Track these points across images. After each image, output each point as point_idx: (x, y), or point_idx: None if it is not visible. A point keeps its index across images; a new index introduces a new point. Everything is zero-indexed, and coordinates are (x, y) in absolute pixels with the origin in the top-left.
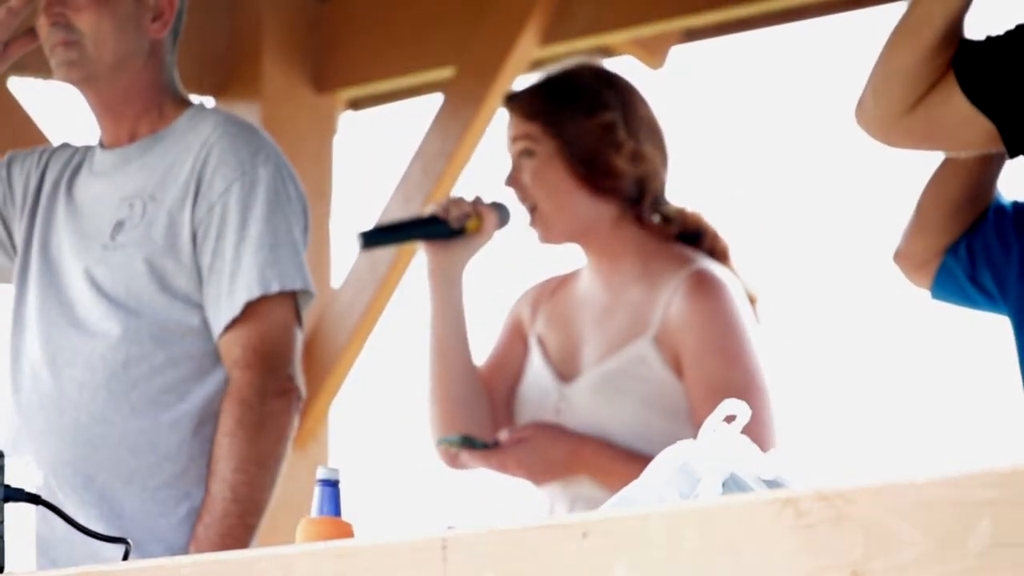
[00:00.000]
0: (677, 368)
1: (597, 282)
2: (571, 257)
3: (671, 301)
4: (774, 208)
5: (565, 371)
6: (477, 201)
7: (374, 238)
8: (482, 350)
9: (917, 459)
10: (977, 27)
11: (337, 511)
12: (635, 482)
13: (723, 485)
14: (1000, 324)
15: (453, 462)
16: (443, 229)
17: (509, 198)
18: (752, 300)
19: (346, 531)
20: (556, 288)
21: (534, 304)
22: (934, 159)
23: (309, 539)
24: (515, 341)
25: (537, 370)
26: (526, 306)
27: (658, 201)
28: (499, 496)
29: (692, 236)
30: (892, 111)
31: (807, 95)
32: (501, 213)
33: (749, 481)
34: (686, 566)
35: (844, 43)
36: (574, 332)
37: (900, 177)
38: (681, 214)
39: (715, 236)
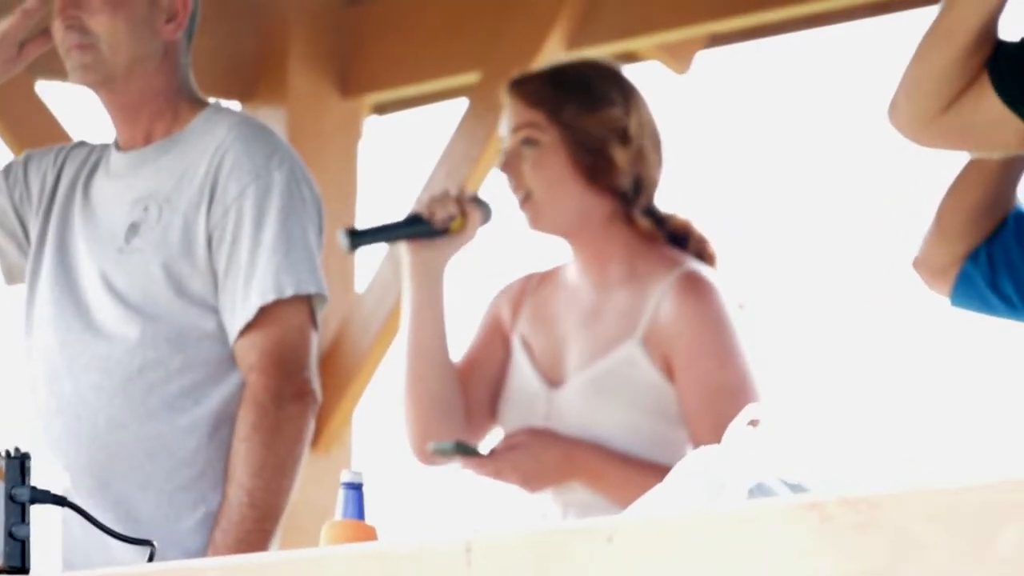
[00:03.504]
0: (667, 370)
1: (584, 282)
2: (551, 252)
3: (660, 303)
4: (799, 212)
5: (552, 375)
6: (460, 198)
7: (360, 239)
8: (460, 348)
9: (941, 464)
10: (1012, 28)
11: (361, 514)
12: (658, 486)
13: (748, 491)
14: (1021, 331)
15: (430, 461)
16: (428, 229)
17: (494, 193)
18: (742, 306)
19: (370, 534)
20: (538, 285)
21: (515, 302)
22: (956, 165)
23: (333, 542)
24: (494, 340)
25: (524, 374)
26: (506, 303)
27: (651, 203)
28: (518, 500)
29: (681, 240)
30: (926, 112)
31: (833, 100)
32: (484, 210)
33: (774, 486)
34: (711, 571)
35: (870, 49)
36: (559, 333)
37: (923, 183)
38: (671, 219)
39: (703, 241)
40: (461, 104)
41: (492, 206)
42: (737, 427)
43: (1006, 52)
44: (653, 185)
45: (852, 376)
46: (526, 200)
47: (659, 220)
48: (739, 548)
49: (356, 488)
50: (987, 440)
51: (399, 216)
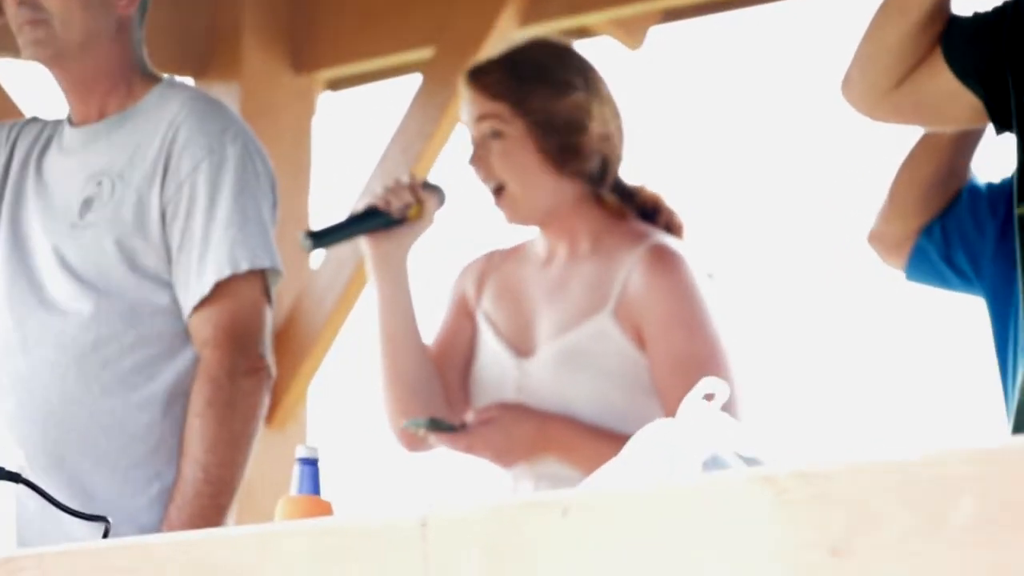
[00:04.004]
0: (638, 342)
1: (551, 257)
2: (512, 232)
3: (630, 275)
4: (752, 188)
5: (520, 347)
6: (415, 186)
7: (320, 239)
8: (431, 330)
9: (896, 437)
10: (964, 3)
11: (316, 490)
12: (614, 460)
13: (703, 464)
14: (975, 304)
15: (412, 445)
16: (386, 220)
17: (470, 177)
18: (709, 276)
19: (325, 509)
20: (501, 262)
21: (478, 280)
22: (910, 139)
23: (288, 518)
24: (461, 318)
25: (491, 348)
26: (470, 281)
27: (617, 180)
28: (478, 474)
29: (649, 213)
30: (879, 86)
31: (786, 75)
32: (439, 195)
33: (729, 459)
34: (665, 544)
35: (824, 23)
36: (526, 307)
37: (876, 158)
38: (639, 192)
39: (671, 212)
40: (415, 80)
41: (445, 189)
42: (692, 400)
43: (959, 27)
44: (618, 161)
45: (809, 348)
46: (500, 193)
47: (627, 194)
48: (693, 521)
49: (311, 463)
50: (942, 412)
51: (355, 210)
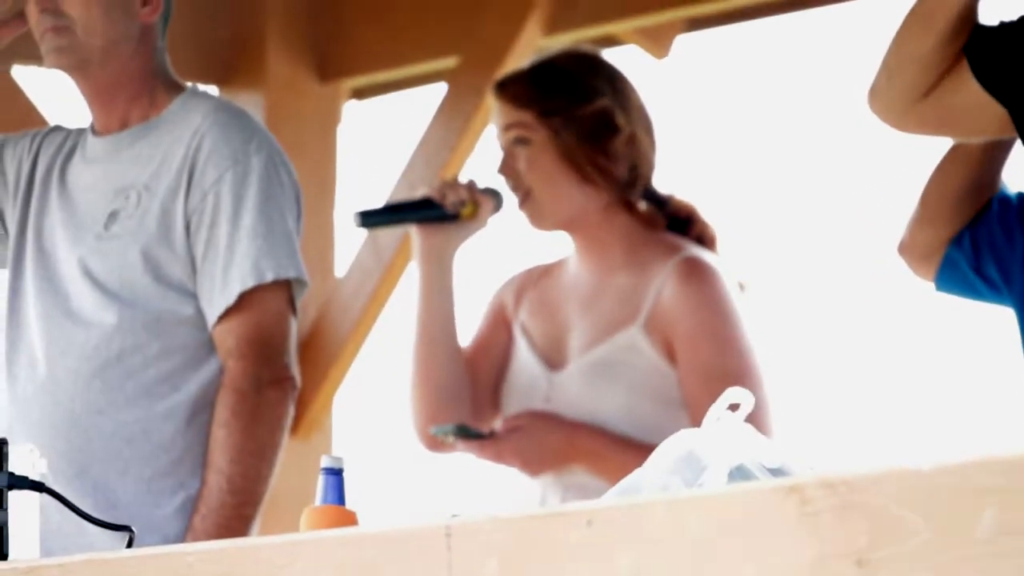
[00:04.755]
0: (668, 355)
1: (584, 270)
2: (558, 244)
3: (662, 288)
4: (778, 198)
5: (553, 359)
6: (472, 186)
7: (371, 218)
8: (466, 336)
9: (922, 448)
10: (991, 12)
11: (341, 500)
12: (638, 470)
13: (728, 475)
14: (1004, 315)
15: (435, 446)
16: (439, 213)
17: (501, 185)
18: (742, 287)
19: (350, 519)
20: (540, 276)
21: (518, 292)
22: (939, 149)
23: (313, 528)
24: (498, 327)
25: (524, 359)
26: (510, 293)
27: (648, 188)
28: (502, 484)
29: (681, 223)
30: (905, 97)
31: (813, 84)
32: (496, 200)
33: (754, 470)
34: (690, 554)
35: (850, 32)
36: (560, 320)
37: (905, 168)
38: (670, 201)
39: (704, 224)
40: (440, 89)
41: (504, 196)
42: (717, 410)
43: (984, 36)
44: (649, 169)
45: (838, 358)
46: (525, 199)
47: (659, 203)
48: (718, 532)
49: (336, 473)
50: (969, 422)
51: (409, 197)
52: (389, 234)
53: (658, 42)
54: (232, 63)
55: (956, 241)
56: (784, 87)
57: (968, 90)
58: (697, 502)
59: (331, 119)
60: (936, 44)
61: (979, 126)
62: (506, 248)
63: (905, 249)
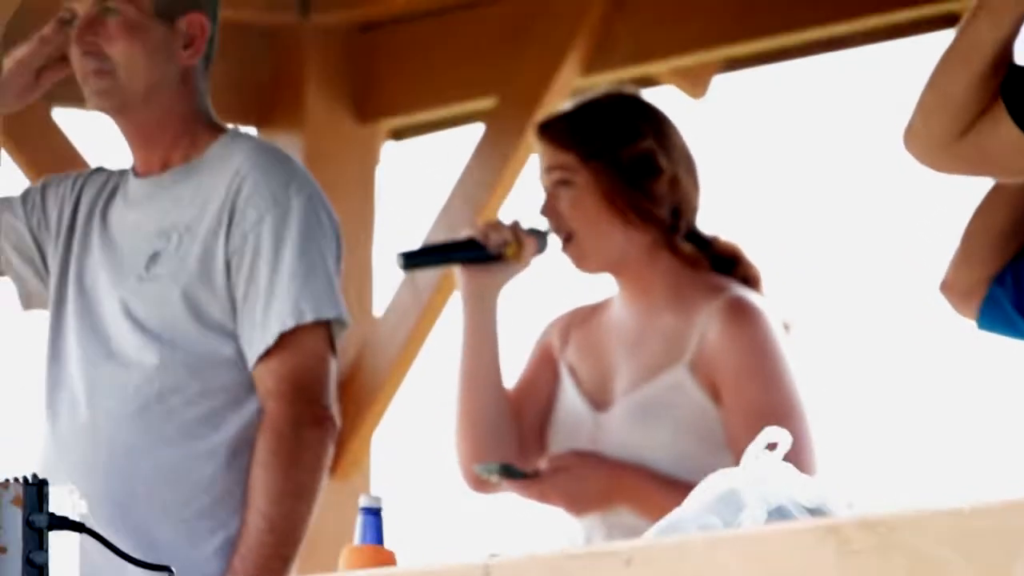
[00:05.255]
0: (714, 395)
1: (629, 310)
2: (603, 284)
3: (707, 328)
4: (817, 238)
5: (598, 400)
6: (516, 227)
7: (413, 259)
8: (512, 376)
9: (962, 488)
10: None
11: (380, 539)
12: (678, 509)
13: (768, 514)
14: None
15: (479, 486)
16: (482, 254)
17: (545, 226)
18: (787, 327)
19: (388, 559)
20: (587, 317)
21: (564, 332)
22: (980, 187)
23: (352, 567)
24: (544, 367)
25: (570, 399)
26: (556, 333)
27: (692, 229)
28: (541, 523)
29: (725, 264)
30: (942, 138)
31: (850, 124)
32: (539, 240)
33: (793, 509)
34: None
35: (886, 73)
36: (606, 360)
37: (946, 206)
38: (715, 242)
39: (748, 264)
40: (478, 129)
41: (548, 237)
42: (756, 450)
43: (1020, 77)
44: (692, 210)
45: (881, 398)
46: (568, 241)
47: (702, 243)
48: (757, 571)
49: (375, 513)
50: (1008, 463)
51: (453, 238)
52: (427, 274)
53: (695, 83)
54: (271, 104)
55: (998, 279)
56: (821, 127)
57: (1004, 131)
58: (736, 542)
59: (369, 160)
60: (972, 84)
61: (1016, 167)
62: (551, 288)
63: (947, 288)
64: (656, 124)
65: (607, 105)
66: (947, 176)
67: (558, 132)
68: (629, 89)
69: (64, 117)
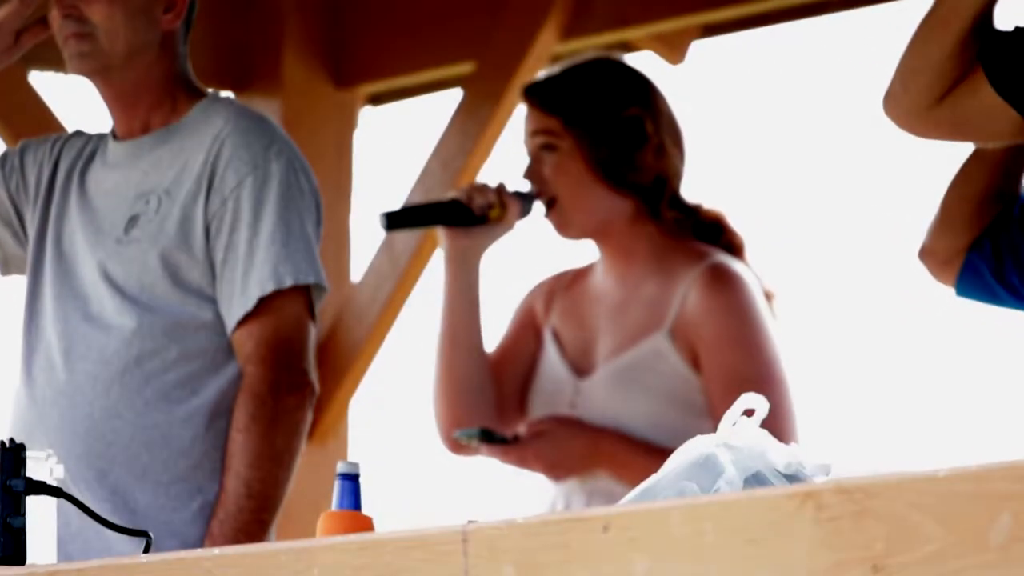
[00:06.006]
0: (693, 362)
1: (612, 277)
2: (585, 250)
3: (687, 295)
4: (795, 204)
5: (580, 366)
6: (501, 189)
7: (396, 220)
8: (493, 339)
9: (939, 453)
10: (1008, 17)
11: (357, 505)
12: (655, 475)
13: (744, 481)
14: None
15: (458, 450)
16: (465, 216)
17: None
18: (769, 296)
19: (366, 525)
20: (571, 282)
21: (548, 296)
22: (959, 154)
23: (330, 533)
24: (527, 331)
25: (552, 364)
26: (539, 298)
27: (676, 197)
28: (521, 489)
29: (709, 232)
30: (921, 103)
31: (828, 90)
32: (524, 203)
33: (770, 476)
34: (706, 560)
35: (865, 38)
36: (589, 327)
37: (924, 173)
38: (698, 210)
39: (732, 232)
40: (455, 95)
41: (532, 200)
42: (733, 416)
43: (1000, 41)
44: (677, 178)
45: (858, 364)
46: (551, 206)
47: (686, 212)
48: (734, 537)
49: (352, 479)
50: (984, 429)
51: (436, 199)
52: (405, 240)
53: (674, 48)
54: (248, 68)
55: (977, 247)
56: (800, 93)
57: (983, 95)
58: (713, 508)
59: (347, 125)
60: (951, 49)
61: (994, 131)
62: (533, 252)
63: (925, 254)
64: (643, 91)
65: (595, 70)
66: (926, 141)
67: (544, 96)
68: (617, 55)
69: (41, 80)
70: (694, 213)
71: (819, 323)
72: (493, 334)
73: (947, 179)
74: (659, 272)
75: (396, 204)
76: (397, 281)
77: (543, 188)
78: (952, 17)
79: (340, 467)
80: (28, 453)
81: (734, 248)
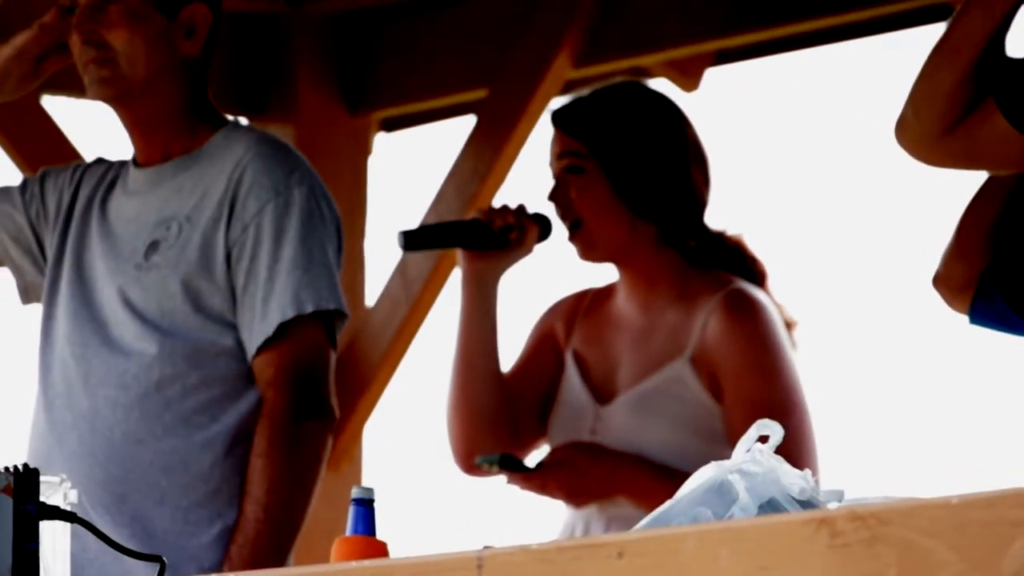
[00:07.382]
0: (714, 389)
1: (634, 304)
2: (602, 272)
3: (708, 322)
4: (809, 231)
5: (602, 392)
6: (520, 212)
7: (414, 238)
8: (509, 358)
9: (953, 480)
10: (1019, 45)
11: (371, 530)
12: (669, 501)
13: (759, 507)
14: None
15: (472, 471)
16: (485, 236)
17: (550, 212)
18: (789, 325)
19: (381, 550)
20: (591, 304)
21: (569, 318)
22: (972, 181)
23: (344, 558)
24: (545, 351)
25: (574, 389)
26: (560, 318)
27: (700, 224)
28: (537, 515)
29: (731, 259)
30: (932, 131)
31: (842, 117)
32: (543, 226)
33: (784, 502)
34: None
35: (878, 66)
36: (611, 354)
37: (938, 200)
38: (721, 237)
39: (753, 260)
40: (469, 121)
41: (552, 224)
42: (748, 442)
43: (1011, 69)
44: (701, 205)
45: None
46: (574, 229)
47: (709, 239)
48: (748, 563)
49: (366, 504)
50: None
51: (455, 220)
52: (419, 264)
53: (688, 75)
54: (263, 95)
55: (991, 274)
56: (814, 121)
57: (994, 124)
58: (727, 534)
59: (361, 151)
60: (963, 78)
61: (1007, 159)
62: (551, 276)
63: (939, 282)
64: (670, 117)
65: (622, 95)
66: (938, 169)
67: (571, 119)
68: (644, 80)
69: (53, 105)
70: (717, 240)
71: (835, 350)
72: (509, 357)
73: (961, 206)
74: (681, 299)
75: (415, 223)
76: (411, 305)
77: (567, 211)
78: (963, 45)
79: (354, 492)
80: (42, 478)
81: (757, 276)
